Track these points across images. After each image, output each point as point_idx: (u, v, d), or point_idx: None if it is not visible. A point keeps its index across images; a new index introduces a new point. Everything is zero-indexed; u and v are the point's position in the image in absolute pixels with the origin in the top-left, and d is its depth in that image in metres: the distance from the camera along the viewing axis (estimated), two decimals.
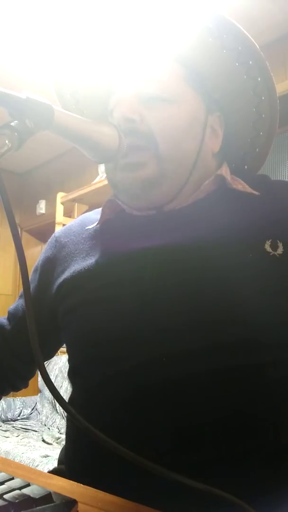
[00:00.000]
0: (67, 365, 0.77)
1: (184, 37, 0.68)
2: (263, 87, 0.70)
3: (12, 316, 0.84)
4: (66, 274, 0.73)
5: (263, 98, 0.71)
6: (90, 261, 0.71)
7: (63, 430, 2.83)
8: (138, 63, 0.70)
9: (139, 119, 0.67)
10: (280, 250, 0.62)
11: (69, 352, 0.74)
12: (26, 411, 3.28)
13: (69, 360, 0.74)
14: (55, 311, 0.75)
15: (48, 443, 2.56)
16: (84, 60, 0.75)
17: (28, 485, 0.44)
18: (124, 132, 0.65)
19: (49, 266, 0.79)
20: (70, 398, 0.73)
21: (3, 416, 3.16)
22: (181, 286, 0.62)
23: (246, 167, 0.80)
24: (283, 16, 2.27)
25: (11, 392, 0.88)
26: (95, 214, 0.79)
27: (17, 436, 2.70)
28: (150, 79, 0.68)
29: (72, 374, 0.73)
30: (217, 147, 0.73)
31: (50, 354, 0.86)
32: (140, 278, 0.64)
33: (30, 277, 0.82)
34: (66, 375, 0.78)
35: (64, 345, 0.78)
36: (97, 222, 0.76)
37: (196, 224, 0.67)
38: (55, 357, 0.89)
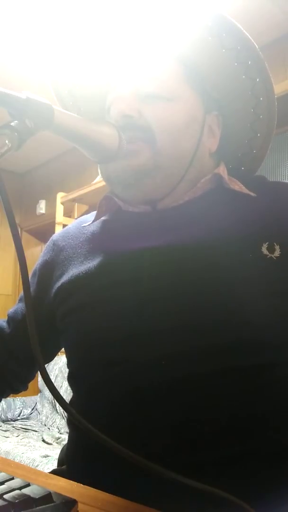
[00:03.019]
0: None
1: (184, 35, 0.68)
2: (262, 87, 0.70)
3: (11, 319, 0.84)
4: (64, 278, 0.73)
5: (261, 99, 0.71)
6: (88, 264, 0.71)
7: (63, 430, 2.83)
8: (137, 61, 0.70)
9: (137, 116, 0.66)
10: (277, 252, 0.62)
11: (68, 356, 0.73)
12: (26, 411, 3.28)
13: (68, 365, 0.74)
14: (54, 315, 0.75)
15: (48, 443, 2.56)
16: (82, 57, 0.75)
17: (28, 485, 0.44)
18: (121, 127, 0.65)
19: (47, 269, 0.79)
20: (70, 402, 0.72)
21: (3, 416, 3.16)
22: (179, 286, 0.62)
23: (243, 168, 0.80)
24: (283, 16, 2.27)
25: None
26: (92, 217, 0.79)
27: (17, 436, 2.70)
28: (149, 77, 0.68)
29: (72, 378, 0.73)
30: (214, 146, 0.73)
31: (49, 357, 0.86)
32: (138, 279, 0.64)
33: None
34: (66, 375, 0.78)
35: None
36: (93, 220, 0.77)
37: (193, 224, 0.67)
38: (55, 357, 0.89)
